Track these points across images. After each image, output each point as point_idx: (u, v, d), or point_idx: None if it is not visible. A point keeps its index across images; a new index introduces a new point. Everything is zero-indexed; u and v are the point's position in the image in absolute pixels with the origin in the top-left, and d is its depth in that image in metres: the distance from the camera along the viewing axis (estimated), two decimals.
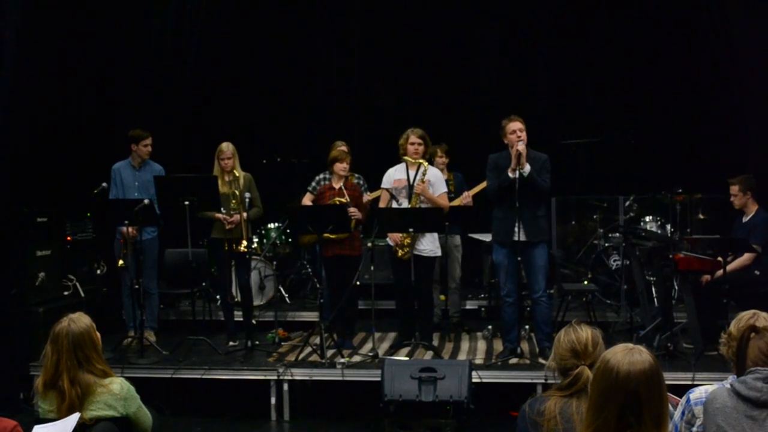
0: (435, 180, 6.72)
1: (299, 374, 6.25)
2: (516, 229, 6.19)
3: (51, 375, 3.60)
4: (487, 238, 7.89)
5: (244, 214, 6.75)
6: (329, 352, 6.47)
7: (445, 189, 6.79)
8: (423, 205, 6.63)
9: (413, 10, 9.76)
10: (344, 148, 7.07)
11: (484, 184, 7.21)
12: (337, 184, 6.84)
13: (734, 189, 6.73)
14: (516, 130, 6.21)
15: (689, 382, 5.28)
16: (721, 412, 2.72)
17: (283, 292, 8.46)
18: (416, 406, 5.55)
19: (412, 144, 6.64)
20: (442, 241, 7.33)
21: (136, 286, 6.69)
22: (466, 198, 7.33)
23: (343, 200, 6.73)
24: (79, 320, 3.66)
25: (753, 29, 7.75)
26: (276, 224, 8.84)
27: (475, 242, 7.91)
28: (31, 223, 6.95)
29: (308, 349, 6.54)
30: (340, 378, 6.17)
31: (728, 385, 2.79)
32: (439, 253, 6.84)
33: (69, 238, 7.47)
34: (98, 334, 3.74)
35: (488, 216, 7.15)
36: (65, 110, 7.70)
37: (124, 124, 7.61)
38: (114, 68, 8.27)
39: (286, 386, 6.20)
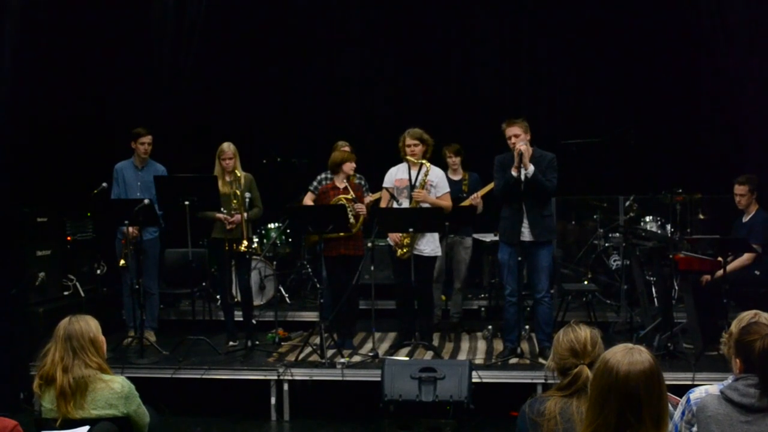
0: (437, 180, 6.73)
1: (299, 374, 6.25)
2: (522, 230, 6.21)
3: (47, 364, 3.65)
4: (487, 238, 7.90)
5: (245, 214, 6.75)
6: (329, 352, 6.47)
7: (447, 189, 6.80)
8: (423, 205, 6.63)
9: (413, 10, 9.76)
10: (347, 148, 7.11)
11: (491, 186, 7.23)
12: (342, 184, 6.85)
13: (743, 189, 6.70)
14: (511, 135, 6.22)
15: (689, 382, 5.28)
16: (714, 420, 2.72)
17: (283, 292, 8.45)
18: (416, 406, 5.54)
19: (408, 146, 6.67)
20: (451, 240, 7.35)
21: (137, 286, 6.69)
22: (475, 199, 7.35)
23: (348, 197, 6.75)
24: (83, 319, 3.72)
25: (753, 29, 7.75)
26: (276, 224, 8.84)
27: (476, 242, 7.91)
28: (31, 223, 6.95)
29: (308, 349, 6.54)
30: (340, 378, 6.17)
31: (718, 392, 2.79)
32: (439, 252, 6.85)
33: (69, 238, 7.47)
34: (102, 337, 3.76)
35: (490, 216, 7.17)
36: (65, 110, 7.70)
37: (124, 124, 7.61)
38: (114, 68, 8.27)
39: (286, 386, 6.20)
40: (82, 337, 3.64)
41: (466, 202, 7.38)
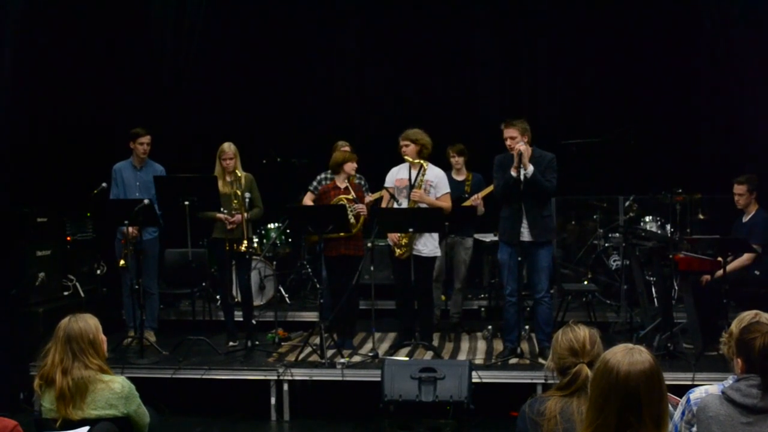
0: (437, 180, 6.72)
1: (299, 374, 6.25)
2: (522, 230, 6.22)
3: (48, 366, 3.65)
4: (487, 238, 7.90)
5: (245, 214, 6.75)
6: (329, 352, 6.46)
7: (447, 189, 6.78)
8: (422, 205, 6.63)
9: (414, 11, 9.76)
10: (347, 148, 7.11)
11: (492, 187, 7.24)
12: (343, 184, 6.85)
13: (741, 188, 6.70)
14: (507, 137, 6.23)
15: (689, 382, 5.28)
16: (715, 420, 2.72)
17: (283, 292, 8.46)
18: (416, 406, 5.54)
19: (401, 147, 6.70)
20: (451, 240, 7.34)
21: (136, 286, 6.69)
22: (476, 200, 7.36)
23: (349, 197, 6.75)
24: (82, 318, 3.71)
25: (753, 29, 7.75)
26: (276, 224, 8.84)
27: (476, 242, 7.91)
28: (31, 223, 6.94)
29: (308, 349, 6.54)
30: (340, 378, 6.17)
31: (720, 392, 2.79)
32: (438, 253, 6.84)
33: (69, 238, 7.47)
34: (103, 336, 3.76)
35: (490, 217, 7.16)
36: (65, 110, 7.71)
37: (124, 124, 7.62)
38: (114, 68, 8.27)
39: (286, 386, 6.19)
40: (82, 339, 3.63)
41: (467, 203, 7.38)
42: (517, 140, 6.17)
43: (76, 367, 3.61)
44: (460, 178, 7.66)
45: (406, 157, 6.68)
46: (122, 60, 8.33)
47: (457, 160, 7.63)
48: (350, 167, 6.82)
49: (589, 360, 2.79)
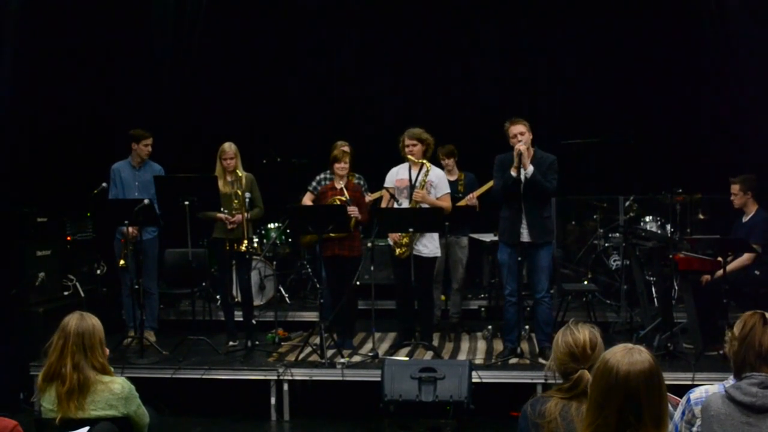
0: (437, 181, 6.72)
1: (299, 374, 6.25)
2: (521, 230, 6.22)
3: (55, 360, 3.64)
4: (487, 238, 7.90)
5: (246, 214, 6.74)
6: (329, 352, 6.47)
7: (447, 190, 6.79)
8: (423, 205, 6.63)
9: (414, 10, 9.76)
10: (346, 148, 7.08)
11: (488, 185, 7.23)
12: (339, 184, 6.84)
13: (735, 188, 6.73)
14: (517, 133, 6.23)
15: (689, 382, 5.28)
16: (716, 420, 2.72)
17: (283, 292, 8.46)
18: (416, 406, 5.55)
19: (407, 146, 6.68)
20: (447, 240, 7.35)
21: (136, 286, 6.69)
22: (470, 199, 7.35)
23: (342, 198, 6.74)
24: (90, 317, 3.75)
25: (753, 29, 7.75)
26: (276, 224, 8.84)
27: (476, 242, 7.91)
28: (31, 223, 6.95)
29: (308, 349, 6.54)
30: (340, 378, 6.17)
31: (722, 391, 2.79)
32: (438, 253, 6.84)
33: (69, 238, 7.48)
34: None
35: (491, 216, 7.16)
36: (65, 110, 7.70)
37: (124, 124, 7.61)
38: (114, 68, 8.27)
39: (286, 386, 6.20)
40: (93, 336, 3.67)
41: (462, 203, 7.36)
42: (526, 135, 6.19)
43: (86, 365, 3.63)
44: (452, 178, 7.63)
45: (410, 157, 6.67)
46: (122, 60, 8.32)
47: (447, 162, 7.60)
48: (337, 167, 6.79)
49: (590, 365, 2.73)
